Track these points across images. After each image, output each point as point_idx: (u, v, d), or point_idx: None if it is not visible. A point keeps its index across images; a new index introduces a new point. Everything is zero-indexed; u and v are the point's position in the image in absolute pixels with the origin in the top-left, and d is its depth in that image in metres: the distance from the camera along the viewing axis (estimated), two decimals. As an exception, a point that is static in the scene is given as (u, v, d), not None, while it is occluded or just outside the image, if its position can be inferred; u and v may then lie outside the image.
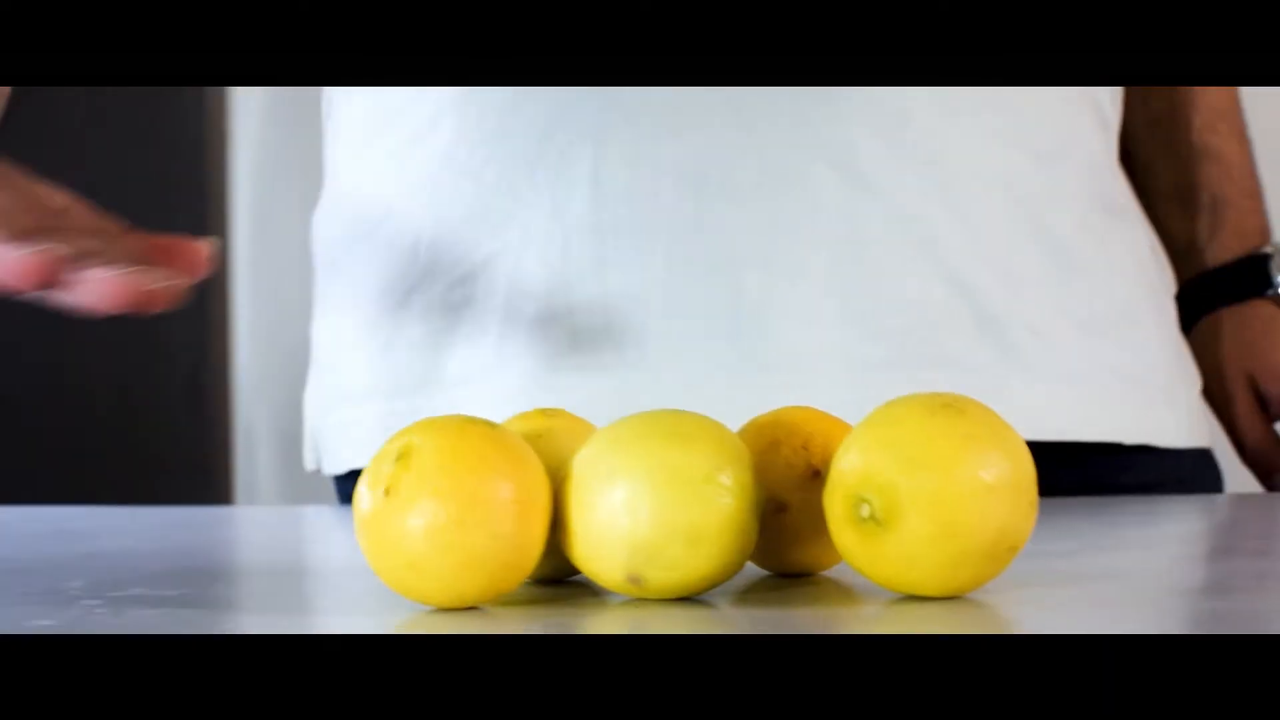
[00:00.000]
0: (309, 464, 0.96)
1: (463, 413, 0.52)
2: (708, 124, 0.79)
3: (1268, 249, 0.97)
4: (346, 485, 0.93)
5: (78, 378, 1.52)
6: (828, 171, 0.79)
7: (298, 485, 1.66)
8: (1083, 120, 0.85)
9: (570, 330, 0.80)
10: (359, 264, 0.89)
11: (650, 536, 0.48)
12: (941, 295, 0.80)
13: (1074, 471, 0.84)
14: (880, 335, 0.79)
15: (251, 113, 1.69)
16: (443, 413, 0.63)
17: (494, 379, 0.82)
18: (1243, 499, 0.89)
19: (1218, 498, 0.89)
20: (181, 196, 1.58)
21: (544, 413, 0.56)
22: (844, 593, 0.53)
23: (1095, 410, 0.83)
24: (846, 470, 0.48)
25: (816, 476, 0.52)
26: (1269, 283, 0.96)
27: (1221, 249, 0.97)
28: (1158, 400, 0.87)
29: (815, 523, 0.51)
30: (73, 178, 0.71)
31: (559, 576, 0.56)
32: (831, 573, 0.56)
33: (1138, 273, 0.87)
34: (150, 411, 1.57)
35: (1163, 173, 0.95)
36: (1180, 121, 0.95)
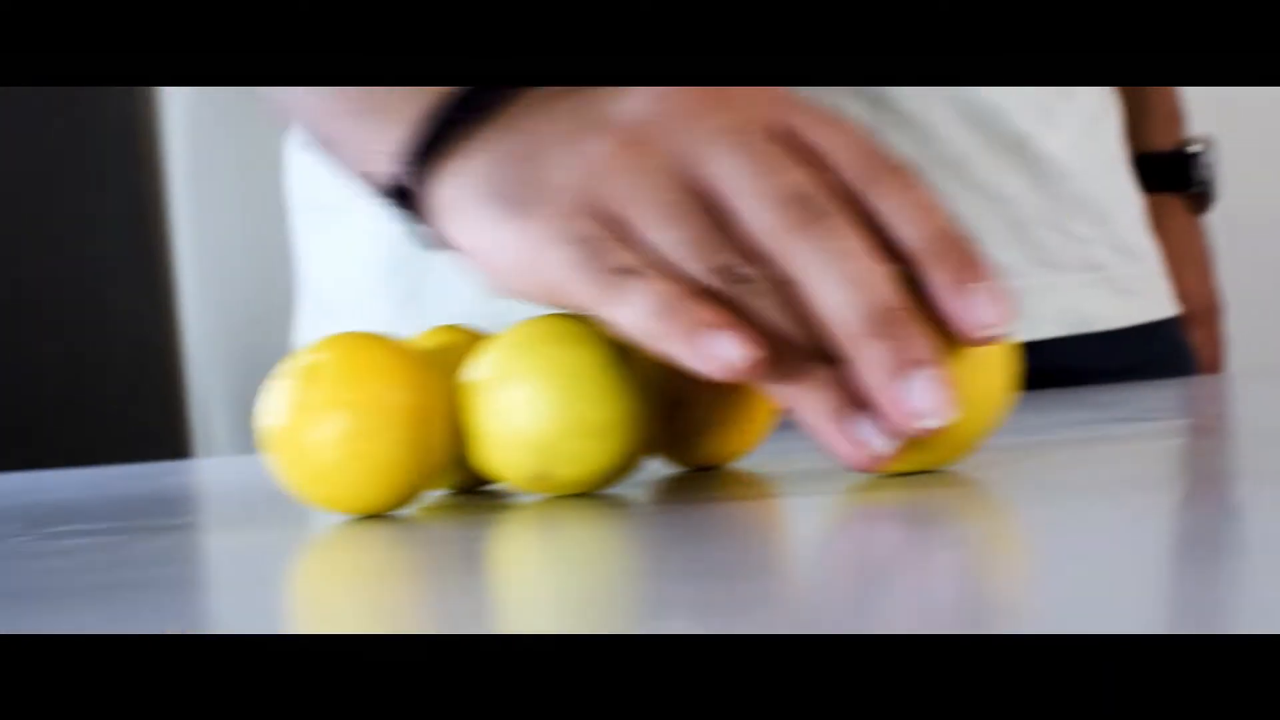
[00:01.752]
0: None
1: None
2: None
3: (1196, 145, 0.97)
4: None
5: (26, 351, 1.49)
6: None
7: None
8: None
9: None
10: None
11: (552, 432, 0.49)
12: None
13: (1110, 355, 0.84)
14: None
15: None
16: None
17: None
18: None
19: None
20: (115, 154, 1.53)
21: (448, 329, 0.57)
22: (753, 484, 0.54)
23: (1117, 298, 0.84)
24: None
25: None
26: (1189, 180, 0.95)
27: (1155, 134, 0.97)
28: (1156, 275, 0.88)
29: (717, 417, 0.53)
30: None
31: (473, 485, 0.56)
32: (740, 464, 0.57)
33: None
34: (101, 383, 1.53)
35: None
36: None
